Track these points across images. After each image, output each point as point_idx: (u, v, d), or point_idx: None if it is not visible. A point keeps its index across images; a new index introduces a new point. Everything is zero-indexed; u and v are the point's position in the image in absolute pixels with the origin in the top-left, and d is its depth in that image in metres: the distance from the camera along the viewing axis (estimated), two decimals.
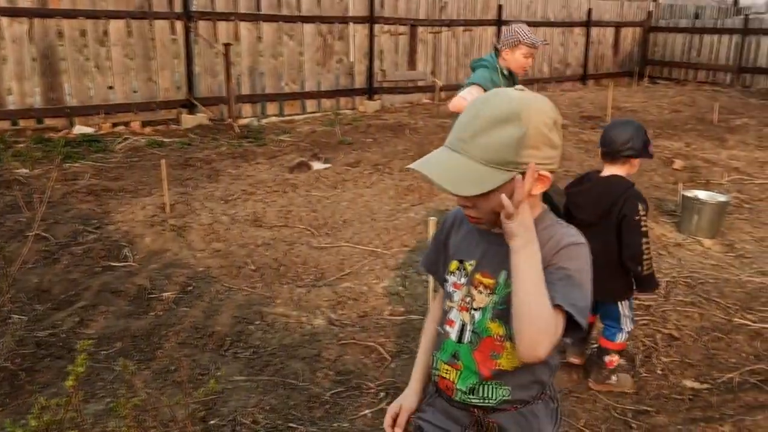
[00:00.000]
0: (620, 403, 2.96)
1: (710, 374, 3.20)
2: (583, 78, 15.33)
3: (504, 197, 1.34)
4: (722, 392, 3.04)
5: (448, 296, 1.57)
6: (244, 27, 10.06)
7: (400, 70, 12.00)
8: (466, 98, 3.89)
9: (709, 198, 5.32)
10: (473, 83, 3.94)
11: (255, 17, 10.14)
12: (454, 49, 12.71)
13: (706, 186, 6.62)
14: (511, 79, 4.09)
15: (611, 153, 3.01)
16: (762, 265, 4.72)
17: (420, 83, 12.25)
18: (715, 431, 2.70)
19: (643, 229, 2.91)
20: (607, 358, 3.12)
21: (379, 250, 4.87)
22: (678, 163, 7.61)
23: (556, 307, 1.32)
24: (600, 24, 15.56)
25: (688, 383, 3.13)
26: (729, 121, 10.45)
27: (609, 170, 3.04)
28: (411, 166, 1.42)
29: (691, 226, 5.26)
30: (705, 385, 3.11)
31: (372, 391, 3.13)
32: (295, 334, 3.68)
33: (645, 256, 2.90)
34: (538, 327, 1.30)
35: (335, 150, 7.98)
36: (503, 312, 1.43)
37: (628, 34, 16.28)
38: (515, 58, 3.97)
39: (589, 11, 15.28)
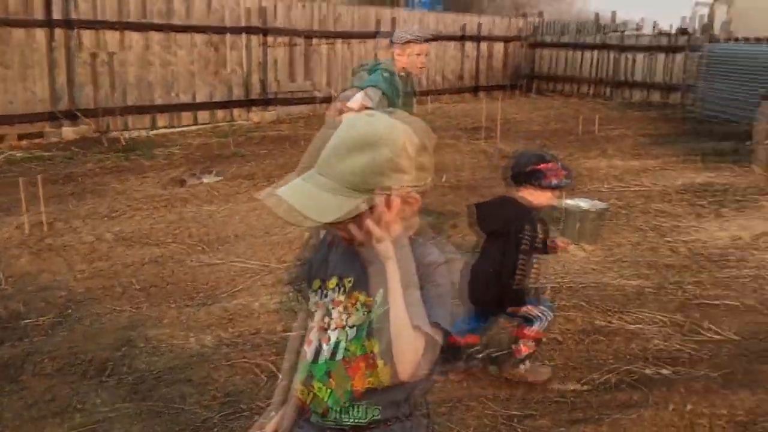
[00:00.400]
0: (507, 408, 3.04)
1: (591, 376, 3.34)
2: (473, 90, 15.81)
3: (370, 223, 1.34)
4: (601, 393, 3.19)
5: (319, 314, 1.56)
6: (131, 36, 9.70)
7: (295, 81, 11.94)
8: (360, 102, 3.91)
9: (590, 206, 5.60)
10: (370, 86, 3.96)
11: (143, 26, 9.81)
12: (349, 60, 12.79)
13: (588, 194, 6.95)
14: (408, 79, 4.15)
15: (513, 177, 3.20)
16: (638, 268, 4.99)
17: (316, 94, 12.24)
18: (595, 431, 2.82)
19: (523, 246, 3.07)
20: (514, 346, 3.26)
21: (272, 264, 4.79)
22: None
23: (434, 325, 1.34)
24: (487, 39, 16.13)
25: (571, 386, 3.26)
26: (608, 131, 11.06)
27: (517, 192, 3.20)
28: (270, 194, 1.39)
29: (574, 233, 5.50)
30: (586, 387, 3.25)
31: (263, 411, 3.06)
32: (183, 355, 3.55)
33: (518, 272, 3.08)
34: (415, 347, 1.33)
35: (228, 162, 7.82)
36: (379, 330, 1.43)
37: (513, 49, 16.96)
38: (407, 58, 4.02)
39: (479, 26, 15.81)
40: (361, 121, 1.39)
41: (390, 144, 1.35)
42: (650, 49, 15.18)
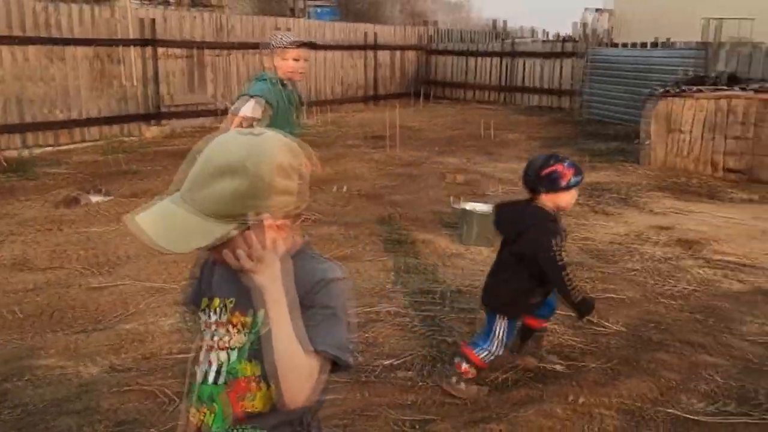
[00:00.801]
0: (408, 415, 3.05)
1: (489, 376, 3.41)
2: (372, 99, 15.94)
3: (241, 254, 1.30)
4: (500, 392, 3.26)
5: (206, 334, 1.51)
6: (5, 50, 9.15)
7: (188, 94, 11.64)
8: (246, 115, 3.84)
9: (485, 209, 5.74)
10: (255, 95, 3.90)
11: (18, 40, 9.27)
12: (245, 71, 12.60)
13: (483, 198, 7.13)
14: (292, 87, 4.11)
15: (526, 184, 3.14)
16: None
17: (210, 106, 11.98)
18: (489, 430, 2.87)
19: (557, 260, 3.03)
20: (464, 366, 3.24)
21: (166, 285, 4.62)
22: (459, 178, 8.13)
23: (321, 351, 1.33)
24: (385, 47, 16.32)
25: (465, 387, 3.31)
26: (504, 136, 11.42)
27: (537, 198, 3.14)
28: (132, 218, 1.33)
29: (470, 236, 5.63)
30: (484, 388, 3.30)
31: None
32: (71, 385, 3.36)
33: (568, 285, 3.03)
34: (298, 376, 1.30)
35: (117, 180, 7.51)
36: (259, 352, 1.39)
37: (411, 57, 17.25)
38: (286, 64, 3.98)
39: (375, 35, 15.96)
40: (227, 144, 1.34)
41: (257, 169, 1.30)
42: (541, 55, 15.80)
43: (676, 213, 6.78)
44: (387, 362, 3.57)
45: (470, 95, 16.99)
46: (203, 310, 1.52)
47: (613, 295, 4.55)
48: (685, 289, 4.70)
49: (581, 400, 3.14)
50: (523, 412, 3.00)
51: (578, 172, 3.10)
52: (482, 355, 3.22)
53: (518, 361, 3.52)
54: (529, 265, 3.10)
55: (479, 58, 16.84)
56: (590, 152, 9.87)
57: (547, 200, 3.09)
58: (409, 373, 3.45)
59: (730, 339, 3.88)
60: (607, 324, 4.08)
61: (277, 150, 1.34)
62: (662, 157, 9.00)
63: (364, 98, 15.73)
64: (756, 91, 8.62)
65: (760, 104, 8.47)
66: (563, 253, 3.02)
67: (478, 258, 5.37)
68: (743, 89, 8.76)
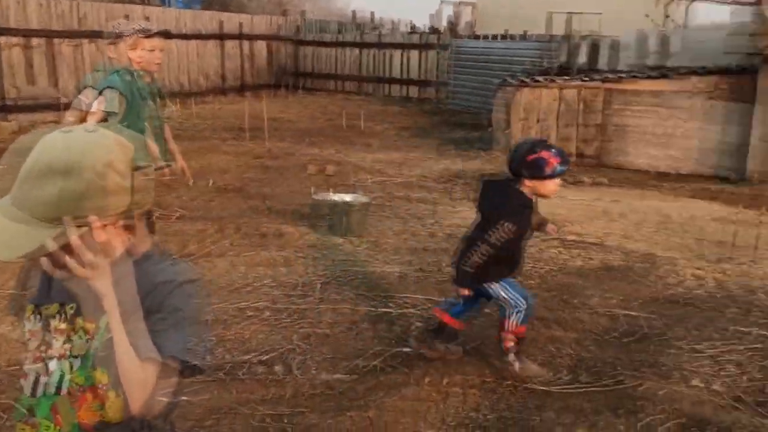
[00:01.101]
0: (275, 409, 3.02)
1: (358, 365, 3.43)
2: (240, 90, 15.61)
3: (70, 261, 1.23)
4: (367, 379, 3.29)
5: (45, 343, 1.41)
6: None
7: (35, 87, 10.86)
8: (98, 109, 3.64)
9: (354, 199, 5.78)
10: (108, 87, 3.69)
11: None
12: (100, 62, 11.92)
13: (354, 188, 7.18)
14: (150, 79, 3.91)
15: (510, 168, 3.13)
16: (401, 256, 5.24)
17: (63, 99, 11.24)
18: (361, 418, 2.90)
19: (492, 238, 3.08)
20: (508, 342, 3.24)
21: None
22: (330, 169, 8.13)
23: (170, 357, 1.29)
24: (252, 37, 16.01)
25: (338, 376, 3.33)
26: (372, 126, 11.54)
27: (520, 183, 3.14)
28: None
29: (341, 227, 5.64)
30: (354, 376, 3.33)
31: None
32: None
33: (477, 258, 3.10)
34: (143, 381, 1.27)
35: None
36: (105, 358, 1.32)
37: (281, 48, 17.03)
38: (138, 54, 3.79)
39: (240, 25, 15.61)
40: (56, 142, 1.26)
41: (84, 170, 1.22)
42: (406, 46, 16.08)
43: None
44: (255, 358, 3.51)
45: (338, 86, 17.03)
46: (28, 318, 1.42)
47: None
48: (543, 268, 4.96)
49: (445, 380, 3.24)
50: (390, 397, 3.05)
51: (564, 161, 3.11)
52: (512, 319, 3.22)
53: (423, 350, 3.52)
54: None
55: (348, 49, 16.90)
56: (454, 141, 10.20)
57: (529, 186, 3.12)
58: (277, 367, 3.41)
59: (581, 314, 4.14)
60: None
61: (109, 148, 1.27)
62: None
63: (230, 89, 15.35)
64: (602, 81, 9.24)
65: (606, 93, 9.09)
66: (503, 239, 3.09)
67: (348, 248, 5.40)
68: (592, 79, 9.37)
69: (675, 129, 8.65)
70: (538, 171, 3.05)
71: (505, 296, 3.22)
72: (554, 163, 3.05)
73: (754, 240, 5.37)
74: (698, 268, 4.92)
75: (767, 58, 7.72)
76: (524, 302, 3.22)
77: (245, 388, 3.23)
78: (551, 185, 3.11)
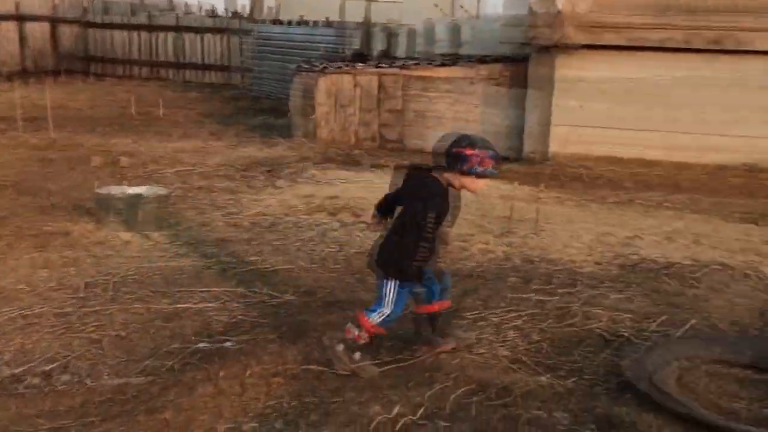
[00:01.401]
0: (65, 423, 2.80)
1: (153, 365, 3.29)
2: (20, 76, 14.22)
3: None
4: (165, 379, 3.15)
5: None
6: None
7: None
8: None
9: (149, 192, 5.50)
10: None
11: None
12: None
13: (153, 179, 6.84)
14: None
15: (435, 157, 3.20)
16: (203, 248, 5.09)
17: None
18: (156, 420, 2.78)
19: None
20: (354, 331, 3.17)
21: None
22: (125, 161, 7.68)
23: None
24: (33, 19, 14.62)
25: (132, 379, 3.16)
26: (171, 114, 11.06)
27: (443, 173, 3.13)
28: None
29: (136, 222, 5.35)
30: (149, 377, 3.18)
31: None
32: None
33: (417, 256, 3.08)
34: None
35: None
36: None
37: (67, 30, 15.73)
38: None
39: (17, 4, 14.19)
40: None
41: None
42: (206, 30, 15.56)
43: (343, 182, 7.25)
44: (38, 369, 3.23)
45: (135, 72, 16.09)
46: None
47: (282, 267, 4.71)
48: (349, 252, 5.06)
49: (248, 372, 3.19)
50: (189, 396, 2.96)
51: (487, 164, 3.06)
52: (372, 317, 3.19)
53: (422, 351, 3.44)
54: (407, 226, 3.14)
55: (140, 32, 15.98)
56: (257, 128, 10.10)
57: (451, 177, 3.13)
58: (65, 377, 3.17)
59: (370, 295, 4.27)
60: (277, 295, 4.21)
61: None
62: (327, 131, 9.57)
63: (8, 75, 13.92)
64: (400, 67, 9.60)
65: (404, 80, 9.46)
66: (431, 228, 3.06)
67: (143, 244, 5.14)
68: (390, 66, 9.70)
69: (467, 114, 9.22)
70: (456, 165, 3.10)
71: (387, 297, 3.24)
72: (474, 162, 3.08)
73: (534, 213, 5.89)
74: (485, 243, 5.30)
75: (537, 48, 8.45)
76: (394, 313, 3.27)
77: (31, 403, 2.97)
78: (468, 182, 3.14)
